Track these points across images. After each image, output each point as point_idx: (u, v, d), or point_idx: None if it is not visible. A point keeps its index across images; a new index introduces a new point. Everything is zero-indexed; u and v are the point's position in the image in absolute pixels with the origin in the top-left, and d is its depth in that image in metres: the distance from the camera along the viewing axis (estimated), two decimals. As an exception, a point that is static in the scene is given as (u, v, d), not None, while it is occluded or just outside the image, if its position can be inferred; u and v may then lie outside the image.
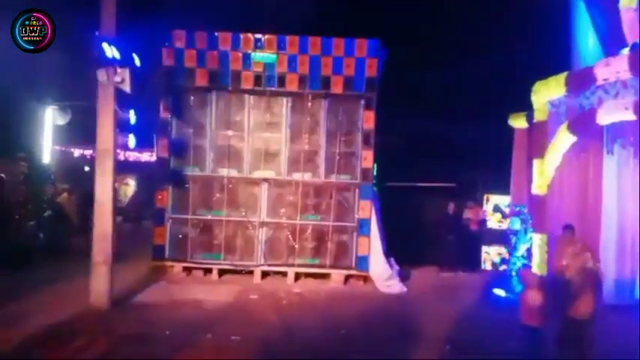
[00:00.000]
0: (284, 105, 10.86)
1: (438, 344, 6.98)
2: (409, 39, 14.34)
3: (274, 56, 10.59)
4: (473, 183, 14.73)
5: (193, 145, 10.86)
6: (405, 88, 14.05)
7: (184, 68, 10.62)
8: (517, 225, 9.77)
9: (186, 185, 10.77)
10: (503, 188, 12.19)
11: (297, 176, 10.79)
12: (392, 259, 11.11)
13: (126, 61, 7.75)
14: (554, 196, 9.29)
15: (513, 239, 9.86)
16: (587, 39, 9.59)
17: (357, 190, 10.75)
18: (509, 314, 8.74)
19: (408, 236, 12.77)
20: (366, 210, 10.64)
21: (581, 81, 8.46)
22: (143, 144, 10.86)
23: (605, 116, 8.26)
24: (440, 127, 14.86)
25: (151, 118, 10.54)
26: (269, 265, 10.68)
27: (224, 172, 10.82)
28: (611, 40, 8.79)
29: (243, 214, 10.78)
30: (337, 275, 10.63)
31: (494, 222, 13.46)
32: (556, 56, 10.51)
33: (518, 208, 9.82)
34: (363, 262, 10.57)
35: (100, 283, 7.95)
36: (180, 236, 10.75)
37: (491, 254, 13.34)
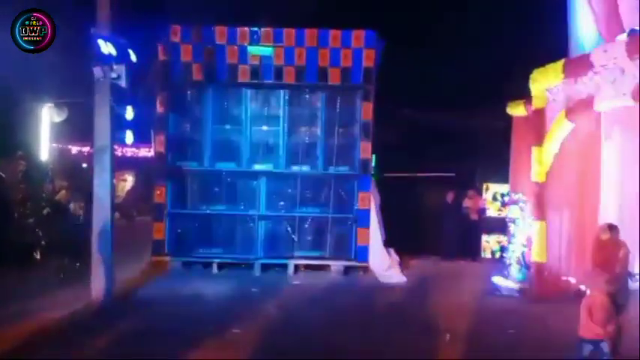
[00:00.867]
0: (281, 98, 10.84)
1: (438, 333, 7.00)
2: (406, 28, 14.29)
3: (271, 49, 10.56)
4: (472, 172, 14.75)
5: (191, 140, 10.87)
6: (403, 78, 14.01)
7: (181, 63, 10.59)
8: (516, 213, 9.77)
9: (185, 180, 10.77)
10: (502, 177, 12.20)
11: (295, 169, 10.79)
12: (391, 250, 11.15)
13: (122, 58, 7.70)
14: (554, 184, 9.30)
15: (512, 227, 9.86)
16: (584, 26, 9.54)
17: (355, 182, 10.76)
18: (508, 302, 8.84)
19: (407, 226, 12.82)
20: (365, 201, 10.65)
21: (579, 68, 8.47)
22: (141, 139, 10.86)
23: (603, 102, 8.27)
24: (438, 116, 14.85)
25: (148, 113, 10.51)
26: (268, 258, 10.70)
27: (222, 166, 10.82)
28: (609, 27, 8.75)
29: (242, 207, 10.79)
30: (337, 266, 10.66)
31: (493, 210, 13.51)
32: (554, 43, 10.48)
33: (517, 196, 9.81)
34: (362, 253, 10.59)
35: (100, 280, 7.96)
36: (179, 231, 10.77)
37: (490, 243, 13.41)
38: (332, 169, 10.81)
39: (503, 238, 12.35)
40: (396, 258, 11.03)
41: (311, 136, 10.89)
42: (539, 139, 9.21)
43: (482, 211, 13.23)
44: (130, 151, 17.67)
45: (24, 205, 11.74)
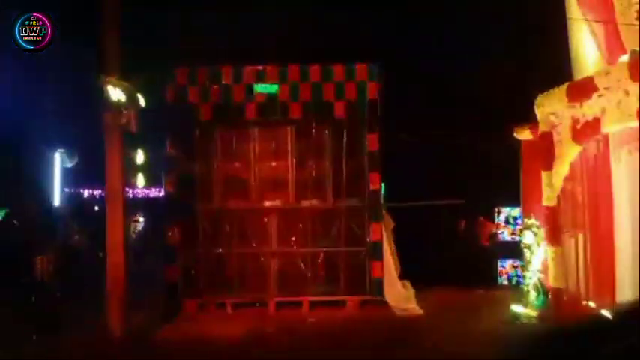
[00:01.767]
0: (288, 133, 10.94)
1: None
2: (410, 54, 14.47)
3: (276, 86, 10.72)
4: (482, 197, 14.67)
5: (201, 179, 10.93)
6: (409, 105, 14.11)
7: (188, 104, 10.75)
8: (530, 239, 9.67)
9: (196, 220, 10.79)
10: (513, 200, 12.13)
11: (305, 203, 10.80)
12: (407, 282, 11.03)
13: (131, 103, 7.86)
14: (566, 207, 9.23)
15: (527, 253, 9.75)
16: (585, 48, 9.62)
17: (366, 213, 10.73)
18: (528, 330, 8.65)
19: (421, 256, 12.71)
20: (377, 233, 10.60)
21: (583, 91, 8.48)
22: (151, 181, 10.94)
23: (610, 125, 8.26)
24: (446, 141, 14.86)
25: (158, 155, 10.64)
26: (283, 295, 10.60)
27: (232, 204, 10.85)
28: (610, 48, 8.82)
29: (254, 245, 10.77)
30: (352, 301, 10.53)
31: (506, 235, 13.37)
32: (556, 67, 10.55)
33: (530, 222, 9.74)
34: (377, 286, 10.48)
35: (114, 322, 7.93)
36: (192, 272, 10.74)
37: (506, 267, 13.23)
38: (342, 202, 10.80)
39: (518, 263, 12.23)
40: (411, 290, 10.91)
41: (319, 169, 10.94)
42: (547, 163, 9.18)
43: (494, 236, 13.10)
44: (140, 192, 17.78)
45: (37, 251, 11.81)
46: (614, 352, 2.65)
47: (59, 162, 13.92)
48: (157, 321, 9.63)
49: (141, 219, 18.55)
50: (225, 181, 10.92)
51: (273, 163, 10.98)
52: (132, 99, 8.00)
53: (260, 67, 10.79)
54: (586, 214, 9.25)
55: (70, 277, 11.79)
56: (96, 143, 8.31)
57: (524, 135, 10.37)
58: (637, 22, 8.20)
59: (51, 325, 9.65)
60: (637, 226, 9.08)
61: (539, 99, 9.28)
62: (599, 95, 8.20)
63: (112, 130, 7.90)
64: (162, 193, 13.42)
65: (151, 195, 18.39)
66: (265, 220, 10.81)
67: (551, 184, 9.07)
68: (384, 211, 11.09)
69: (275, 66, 10.79)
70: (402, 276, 11.01)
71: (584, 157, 9.01)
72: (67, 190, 15.31)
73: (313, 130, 10.96)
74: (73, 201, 16.36)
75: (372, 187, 10.73)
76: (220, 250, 10.76)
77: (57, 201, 14.00)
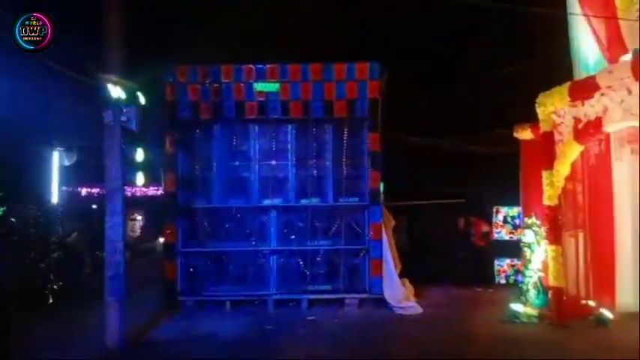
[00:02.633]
0: (289, 132, 10.91)
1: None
2: (411, 54, 14.45)
3: (277, 85, 10.67)
4: (482, 196, 14.68)
5: (200, 178, 10.89)
6: (409, 104, 14.08)
7: (188, 102, 10.70)
8: (530, 237, 9.67)
9: (195, 218, 10.76)
10: (512, 199, 12.13)
11: (305, 202, 10.78)
12: (406, 280, 11.02)
13: (131, 101, 7.82)
14: (567, 206, 9.23)
15: (527, 252, 9.75)
16: (587, 47, 9.61)
17: (366, 212, 10.71)
18: (528, 329, 8.67)
19: (420, 255, 12.71)
20: (377, 232, 10.58)
21: (585, 90, 8.50)
22: (150, 179, 10.90)
23: (612, 124, 8.27)
24: (446, 141, 14.86)
25: (158, 153, 10.59)
26: (282, 293, 10.58)
27: (232, 202, 10.82)
28: (612, 47, 8.82)
29: (254, 243, 10.74)
30: (351, 300, 10.50)
31: (504, 234, 13.38)
32: (558, 66, 10.54)
33: (530, 220, 9.73)
34: (376, 284, 10.46)
35: (113, 322, 7.88)
36: (191, 269, 10.70)
37: (504, 267, 13.23)
38: (342, 201, 10.78)
39: (516, 262, 12.24)
40: (410, 288, 10.90)
41: (319, 168, 10.90)
42: (548, 162, 9.18)
43: (487, 235, 13.07)
44: (139, 190, 17.73)
45: (35, 249, 11.77)
46: None
47: (58, 160, 13.85)
48: (155, 319, 9.61)
49: (139, 217, 18.55)
50: (225, 179, 10.87)
51: (273, 162, 10.93)
52: (132, 97, 7.95)
53: (260, 66, 10.74)
54: (587, 213, 9.26)
55: (66, 275, 11.79)
56: (97, 141, 8.25)
57: (525, 134, 10.37)
58: (639, 21, 8.19)
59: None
60: (638, 226, 9.10)
61: (541, 98, 9.28)
62: (602, 94, 8.21)
63: (111, 128, 7.85)
64: (160, 191, 13.41)
65: (149, 193, 18.31)
66: (265, 218, 10.77)
67: (552, 183, 9.08)
68: (384, 210, 11.08)
69: (275, 64, 10.75)
70: (402, 274, 11.00)
71: (585, 157, 9.02)
72: (65, 188, 15.24)
73: (313, 129, 10.91)
74: (72, 199, 16.30)
75: (372, 186, 10.70)
76: (219, 248, 10.71)
77: (55, 199, 13.93)
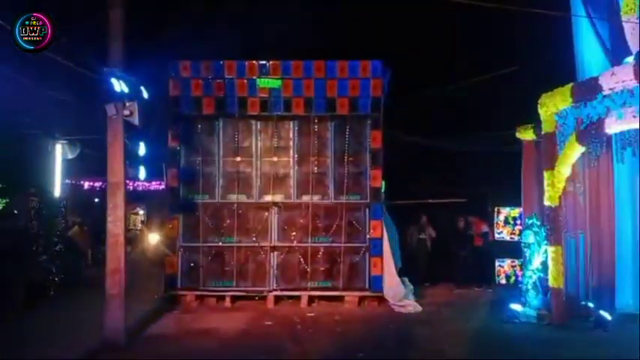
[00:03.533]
0: (291, 129, 10.93)
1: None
2: (414, 55, 14.43)
3: (279, 81, 10.69)
4: (483, 196, 14.68)
5: (202, 173, 10.92)
6: (411, 103, 14.10)
7: (191, 97, 10.73)
8: (530, 238, 9.67)
9: (197, 213, 10.78)
10: (513, 200, 12.14)
11: (306, 199, 10.79)
12: (406, 279, 11.04)
13: (134, 95, 7.82)
14: (568, 207, 9.23)
15: (527, 252, 9.76)
16: (590, 49, 9.61)
17: (367, 210, 10.73)
18: (526, 329, 8.68)
19: (420, 254, 12.73)
20: (378, 230, 10.60)
21: (588, 92, 8.50)
22: (152, 174, 10.93)
23: (614, 125, 8.26)
24: (448, 141, 14.86)
25: (160, 148, 10.61)
26: (282, 289, 10.61)
27: (234, 198, 10.85)
28: (615, 50, 8.81)
29: (254, 239, 10.77)
30: (351, 297, 10.53)
31: (506, 234, 13.38)
32: (561, 68, 10.53)
33: (530, 221, 9.74)
34: (376, 282, 10.49)
35: (114, 316, 7.90)
36: (191, 264, 10.73)
37: (505, 267, 13.25)
38: (343, 198, 10.79)
39: (517, 262, 12.25)
40: (410, 287, 10.92)
41: (321, 165, 10.92)
42: (550, 162, 9.18)
43: (485, 235, 13.06)
44: (141, 185, 17.76)
45: (37, 241, 11.81)
46: None
47: (60, 153, 13.89)
48: (155, 314, 9.65)
49: (141, 211, 18.59)
50: (226, 174, 10.90)
51: (275, 158, 10.95)
52: (135, 91, 7.95)
53: (263, 62, 10.75)
54: (587, 214, 9.26)
55: (67, 268, 11.84)
56: (100, 134, 8.26)
57: (526, 135, 10.36)
58: (642, 23, 8.18)
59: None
60: (638, 228, 9.10)
61: (543, 99, 9.28)
62: (604, 96, 8.20)
63: (114, 122, 7.86)
64: (163, 186, 13.44)
65: (152, 188, 18.33)
66: (266, 214, 10.80)
67: (554, 184, 9.08)
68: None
69: (278, 61, 10.76)
70: (402, 273, 11.02)
71: (586, 158, 9.01)
72: (68, 181, 15.28)
73: (316, 126, 10.92)
74: (74, 193, 16.34)
75: (373, 184, 10.72)
76: (220, 243, 10.74)
77: (57, 192, 13.97)
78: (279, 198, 10.82)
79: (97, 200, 16.13)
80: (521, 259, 10.44)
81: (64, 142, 13.72)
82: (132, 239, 15.93)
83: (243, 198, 10.86)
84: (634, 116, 7.79)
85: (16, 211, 12.26)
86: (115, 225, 7.96)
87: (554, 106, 9.11)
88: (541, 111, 9.32)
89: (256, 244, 10.73)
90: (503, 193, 13.22)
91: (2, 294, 9.26)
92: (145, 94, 8.18)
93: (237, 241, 10.75)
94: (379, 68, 10.66)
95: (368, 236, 10.64)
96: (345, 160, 10.86)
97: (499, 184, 13.36)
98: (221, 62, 10.72)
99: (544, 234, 9.31)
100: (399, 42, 14.43)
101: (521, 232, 10.67)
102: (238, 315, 9.68)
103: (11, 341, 7.74)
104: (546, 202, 9.20)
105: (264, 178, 10.88)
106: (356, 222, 10.79)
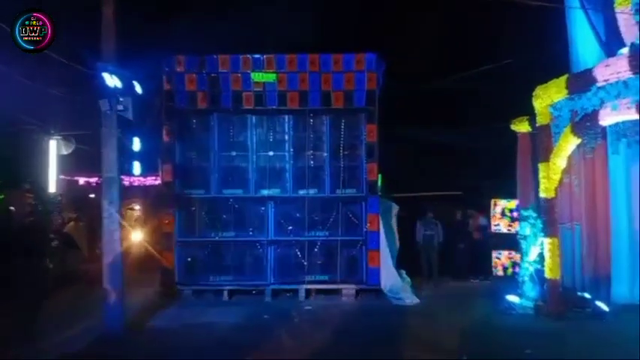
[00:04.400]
0: (286, 123, 10.91)
1: (455, 355, 6.90)
2: (409, 48, 14.41)
3: (274, 75, 10.65)
4: (479, 189, 14.70)
5: (198, 168, 10.91)
6: (407, 96, 14.09)
7: (185, 92, 10.70)
8: (527, 230, 9.70)
9: (193, 208, 10.78)
10: (510, 192, 12.15)
11: (302, 193, 10.79)
12: (403, 271, 11.07)
13: (127, 90, 7.80)
14: (563, 199, 9.25)
15: (524, 244, 9.79)
16: (585, 41, 9.59)
17: (363, 204, 10.74)
18: (523, 321, 8.72)
19: (417, 247, 12.74)
20: (374, 223, 10.61)
21: (582, 83, 8.49)
22: (148, 169, 10.90)
23: (608, 117, 8.27)
24: (444, 134, 14.87)
25: (155, 143, 10.58)
26: (279, 283, 10.63)
27: (230, 192, 10.84)
28: (609, 41, 8.80)
29: (251, 233, 10.77)
30: (348, 290, 10.56)
31: (502, 226, 13.41)
32: (555, 60, 10.52)
33: (526, 213, 9.76)
34: (373, 275, 10.51)
35: (112, 311, 7.92)
36: (188, 259, 10.74)
37: (502, 259, 13.28)
38: (339, 192, 10.80)
39: (514, 254, 12.28)
40: (407, 279, 10.95)
41: (317, 159, 10.92)
42: (545, 155, 9.19)
43: (483, 227, 13.08)
44: (136, 180, 17.71)
45: (32, 238, 11.78)
46: None
47: (55, 149, 13.84)
48: (153, 308, 9.66)
49: (137, 207, 18.51)
50: (222, 169, 10.88)
51: (271, 153, 10.94)
52: (128, 86, 7.92)
53: (257, 56, 10.71)
54: (583, 206, 9.28)
55: (64, 264, 11.82)
56: (94, 130, 8.24)
57: (522, 127, 10.36)
58: (636, 15, 8.17)
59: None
60: (634, 218, 9.13)
61: (538, 91, 9.28)
62: (599, 87, 8.20)
63: (108, 117, 7.84)
64: (158, 181, 13.40)
65: (147, 183, 18.26)
66: (263, 208, 10.79)
67: (549, 176, 9.10)
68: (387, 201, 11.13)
69: (273, 55, 10.73)
70: (399, 266, 11.05)
71: (581, 150, 9.01)
72: (63, 177, 15.22)
73: (311, 120, 10.91)
74: (70, 188, 16.28)
75: (369, 178, 10.72)
76: (217, 238, 10.74)
77: (53, 188, 13.94)
78: (275, 192, 10.82)
79: (92, 196, 16.06)
80: (518, 251, 10.48)
81: (59, 137, 13.67)
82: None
83: (239, 193, 10.85)
84: (628, 107, 7.79)
85: (12, 208, 12.20)
86: (110, 220, 7.96)
87: (548, 98, 9.11)
88: (536, 103, 9.32)
89: (253, 239, 10.73)
90: (500, 185, 13.23)
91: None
92: (139, 89, 8.16)
93: (234, 235, 10.75)
94: (374, 61, 10.64)
95: (365, 229, 10.65)
96: (341, 153, 10.86)
97: (496, 176, 13.38)
98: (215, 57, 10.68)
99: (540, 226, 9.33)
100: (394, 34, 14.41)
101: (516, 221, 10.68)
102: (236, 309, 9.70)
103: (10, 335, 7.74)
104: (542, 194, 9.22)
105: (260, 173, 10.87)
106: (352, 215, 10.80)
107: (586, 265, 9.23)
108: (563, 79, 8.82)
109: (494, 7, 8.88)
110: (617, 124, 8.53)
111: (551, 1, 9.14)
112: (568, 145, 8.89)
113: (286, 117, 10.88)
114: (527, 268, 9.62)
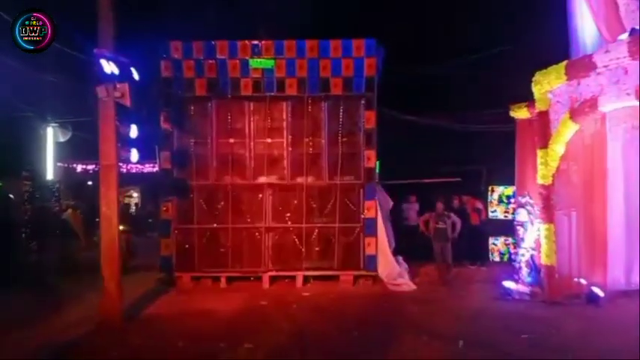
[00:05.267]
0: (284, 109, 10.86)
1: (451, 340, 6.95)
2: (409, 31, 14.31)
3: (272, 61, 10.59)
4: (477, 175, 14.72)
5: (196, 155, 10.88)
6: (405, 83, 14.03)
7: (183, 79, 10.63)
8: (524, 216, 9.73)
9: (191, 195, 10.77)
10: (507, 179, 12.17)
11: (300, 180, 10.78)
12: (400, 258, 11.11)
13: (125, 76, 7.75)
14: (560, 185, 9.26)
15: (521, 230, 9.82)
16: (585, 27, 9.54)
17: (361, 191, 10.74)
18: (520, 306, 8.78)
19: (414, 233, 12.77)
20: (372, 210, 10.63)
21: (582, 69, 8.46)
22: (145, 156, 10.88)
23: (607, 103, 8.25)
24: (442, 119, 14.83)
25: (153, 130, 10.55)
26: (277, 270, 10.67)
27: (228, 179, 10.83)
28: (609, 27, 8.75)
29: (249, 220, 10.78)
30: (346, 276, 10.61)
31: (499, 213, 13.46)
32: (555, 45, 10.47)
33: (524, 199, 9.78)
34: (371, 262, 10.56)
35: (110, 298, 7.94)
36: (187, 246, 10.75)
37: (498, 245, 13.36)
38: (337, 179, 10.79)
39: (511, 241, 12.33)
40: (404, 265, 11.00)
41: (315, 146, 10.89)
42: (543, 141, 9.19)
43: (479, 210, 13.08)
44: (134, 167, 17.70)
45: (30, 225, 11.81)
46: None
47: (52, 136, 13.80)
48: (151, 295, 9.70)
49: (135, 194, 18.55)
50: (220, 156, 10.86)
51: (269, 140, 10.91)
52: (126, 73, 7.87)
53: (256, 42, 10.64)
54: (580, 192, 9.29)
55: (62, 251, 11.84)
56: (92, 117, 8.21)
57: (521, 113, 10.33)
58: (636, 1, 8.12)
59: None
60: (631, 205, 9.16)
61: (537, 76, 9.25)
62: (598, 73, 8.17)
63: (105, 104, 7.79)
64: (156, 168, 13.39)
65: (145, 170, 18.25)
66: (260, 195, 10.79)
67: (547, 162, 9.10)
68: (380, 188, 11.13)
69: (271, 41, 10.65)
70: (396, 252, 11.08)
71: (580, 136, 9.01)
72: (60, 164, 15.20)
73: (309, 107, 10.86)
74: (67, 175, 16.26)
75: (367, 165, 10.71)
76: (215, 225, 10.75)
77: (50, 175, 13.92)
78: (273, 179, 10.81)
79: (90, 183, 16.06)
80: (515, 238, 10.52)
81: (56, 124, 13.62)
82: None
83: (237, 180, 10.84)
84: (628, 94, 7.78)
85: (12, 196, 12.19)
86: (108, 207, 7.95)
87: (548, 84, 9.08)
88: (535, 89, 9.29)
89: (251, 226, 10.74)
90: (497, 172, 13.25)
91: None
92: (137, 76, 8.10)
93: (232, 222, 10.75)
94: (373, 47, 10.57)
95: (362, 216, 10.67)
96: (339, 140, 10.83)
97: (493, 163, 13.38)
98: (213, 43, 10.60)
99: (537, 212, 9.36)
100: (393, 18, 14.31)
101: (514, 210, 10.71)
102: (234, 295, 9.74)
103: (8, 323, 7.78)
104: (539, 181, 9.23)
105: (258, 160, 10.85)
106: (350, 202, 10.80)
107: (582, 252, 9.28)
108: (562, 65, 8.79)
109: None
110: (616, 110, 8.52)
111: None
112: (567, 131, 8.89)
113: (284, 104, 10.83)
114: (524, 255, 9.66)
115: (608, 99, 8.17)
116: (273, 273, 10.64)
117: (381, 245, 10.60)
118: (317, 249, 10.76)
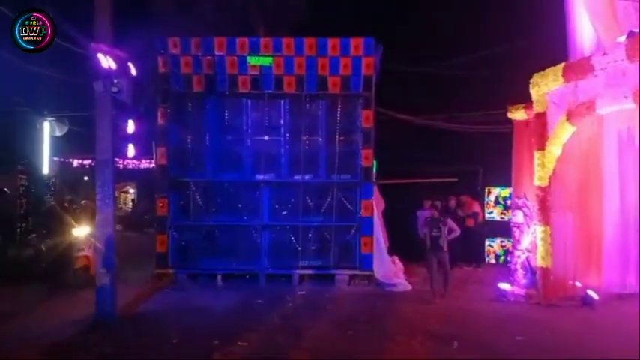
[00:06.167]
0: (282, 107, 10.84)
1: (446, 341, 6.95)
2: (407, 31, 14.30)
3: (270, 59, 10.57)
4: (474, 175, 14.71)
5: (192, 151, 10.85)
6: (403, 82, 14.02)
7: (181, 75, 10.60)
8: (520, 218, 9.74)
9: (187, 192, 10.74)
10: (504, 180, 12.18)
11: (297, 178, 10.77)
12: (396, 257, 11.12)
13: (122, 71, 7.71)
14: (557, 187, 9.27)
15: (517, 232, 9.83)
16: (582, 29, 9.54)
17: (358, 190, 10.73)
18: (515, 308, 8.79)
19: (410, 233, 12.77)
20: (368, 209, 10.62)
21: (579, 71, 8.47)
22: (142, 152, 10.83)
23: (605, 105, 8.26)
24: (439, 120, 14.83)
25: (149, 126, 10.50)
26: (273, 268, 10.65)
27: (224, 176, 10.81)
28: (607, 29, 8.76)
29: (245, 218, 10.76)
30: (341, 276, 10.60)
31: (496, 214, 13.47)
32: (553, 47, 10.48)
33: (520, 201, 9.79)
34: (366, 261, 10.55)
35: (105, 294, 7.91)
36: (182, 243, 10.73)
37: (494, 247, 13.37)
38: (334, 178, 10.77)
39: (507, 242, 12.34)
40: (400, 265, 11.00)
41: (312, 144, 10.88)
42: (541, 143, 9.20)
43: (476, 215, 13.09)
44: (131, 163, 17.66)
45: (26, 220, 11.74)
46: None
47: (49, 130, 13.73)
48: (147, 292, 9.67)
49: (131, 190, 18.51)
50: (217, 153, 10.83)
51: (266, 137, 10.89)
52: (123, 68, 7.83)
53: (254, 39, 10.61)
54: (576, 194, 9.30)
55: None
56: (89, 112, 8.18)
57: (518, 115, 10.34)
58: (635, 3, 8.13)
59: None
60: (626, 208, 9.18)
61: (535, 78, 9.25)
62: (596, 75, 8.18)
63: (102, 99, 7.76)
64: (153, 165, 13.34)
65: (142, 166, 18.21)
66: (257, 193, 10.77)
67: (544, 164, 9.11)
68: (375, 188, 11.12)
69: (269, 38, 10.62)
70: (392, 252, 11.09)
71: (576, 138, 9.02)
72: (56, 159, 15.15)
73: (307, 105, 10.84)
74: (63, 170, 16.20)
75: (364, 164, 10.70)
76: (211, 222, 10.73)
77: (46, 170, 13.86)
78: (270, 177, 10.79)
79: (86, 178, 16.00)
80: (511, 239, 10.52)
81: (52, 119, 13.56)
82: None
83: (234, 177, 10.82)
84: (625, 96, 7.79)
85: (7, 190, 12.12)
86: (104, 203, 7.92)
87: (545, 85, 9.09)
88: (532, 90, 9.30)
89: (247, 223, 10.72)
90: (494, 173, 13.25)
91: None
92: (134, 71, 8.06)
93: (229, 219, 10.74)
94: (371, 46, 10.55)
95: (359, 215, 10.66)
96: (337, 139, 10.82)
97: (490, 164, 13.38)
98: (211, 39, 10.57)
99: (534, 214, 9.36)
100: (391, 19, 14.29)
101: (509, 210, 10.71)
102: (230, 293, 9.72)
103: (2, 319, 7.76)
104: (536, 182, 9.24)
105: (255, 157, 10.83)
106: (347, 201, 10.80)
107: (577, 254, 9.29)
108: (560, 66, 8.79)
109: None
110: (613, 113, 8.53)
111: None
112: (563, 133, 8.89)
113: (282, 101, 10.81)
114: (519, 256, 9.67)
115: (605, 101, 8.17)
116: (269, 271, 10.62)
117: (377, 244, 10.60)
118: (313, 247, 10.76)
